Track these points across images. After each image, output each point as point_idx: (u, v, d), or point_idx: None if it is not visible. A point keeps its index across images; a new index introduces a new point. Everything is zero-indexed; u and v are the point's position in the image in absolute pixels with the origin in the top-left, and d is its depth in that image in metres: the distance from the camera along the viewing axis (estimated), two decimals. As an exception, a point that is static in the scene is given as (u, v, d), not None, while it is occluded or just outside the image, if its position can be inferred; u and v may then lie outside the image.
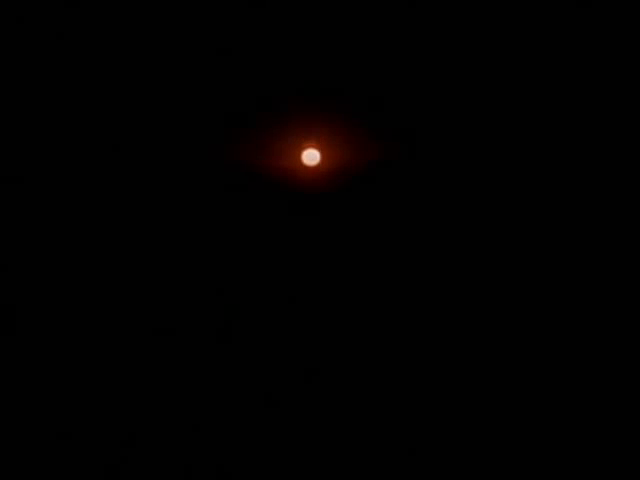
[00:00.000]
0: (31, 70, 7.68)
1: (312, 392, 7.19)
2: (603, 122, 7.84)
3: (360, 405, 6.90)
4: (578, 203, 8.03)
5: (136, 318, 9.02)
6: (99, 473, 5.76)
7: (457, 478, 5.87)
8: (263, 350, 8.41)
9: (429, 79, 7.99)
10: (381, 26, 8.20)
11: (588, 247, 8.09)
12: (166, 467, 6.02)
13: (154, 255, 9.26)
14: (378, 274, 14.35)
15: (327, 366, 8.03)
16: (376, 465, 5.97)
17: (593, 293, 7.85)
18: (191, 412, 6.77)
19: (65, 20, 7.48)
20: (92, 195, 8.49)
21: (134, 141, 8.04)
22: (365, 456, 6.14)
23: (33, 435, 6.27)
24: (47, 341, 7.70)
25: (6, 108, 7.60)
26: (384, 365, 8.09)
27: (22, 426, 6.43)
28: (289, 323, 9.69)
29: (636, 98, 7.57)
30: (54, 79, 7.71)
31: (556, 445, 6.28)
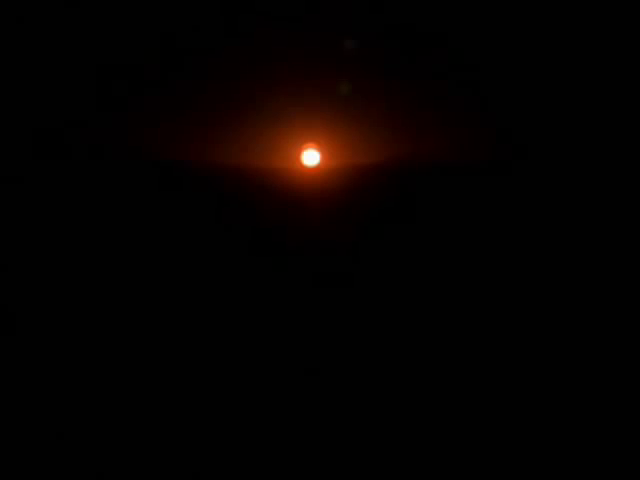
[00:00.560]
0: None
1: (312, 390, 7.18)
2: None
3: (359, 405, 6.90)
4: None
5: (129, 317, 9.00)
6: (91, 472, 5.76)
7: (458, 478, 5.86)
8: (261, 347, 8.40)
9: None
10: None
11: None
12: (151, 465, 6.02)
13: (157, 256, 9.25)
14: (377, 273, 14.34)
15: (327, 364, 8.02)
16: (376, 465, 5.96)
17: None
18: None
19: None
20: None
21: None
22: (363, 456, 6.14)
23: (25, 436, 6.27)
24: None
25: None
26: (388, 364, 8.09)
27: (14, 427, 6.43)
28: (290, 321, 9.68)
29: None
30: None
31: (557, 444, 6.28)
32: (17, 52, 7.32)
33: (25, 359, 7.47)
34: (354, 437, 6.39)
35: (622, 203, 8.11)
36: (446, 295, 12.25)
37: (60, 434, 6.29)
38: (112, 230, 9.04)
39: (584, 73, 7.78)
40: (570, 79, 7.75)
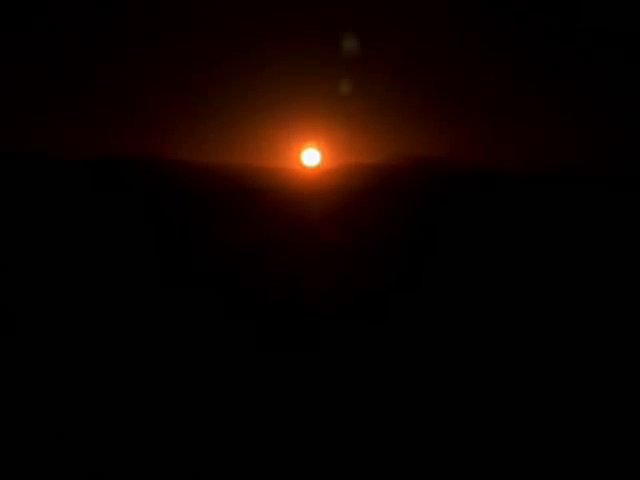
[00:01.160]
0: None
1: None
2: None
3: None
4: None
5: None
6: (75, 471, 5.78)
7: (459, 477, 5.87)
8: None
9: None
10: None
11: None
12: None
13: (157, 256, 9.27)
14: (377, 271, 14.28)
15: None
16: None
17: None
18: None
19: None
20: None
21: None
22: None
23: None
24: None
25: None
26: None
27: None
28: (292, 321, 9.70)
29: None
30: None
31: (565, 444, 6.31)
32: None
33: None
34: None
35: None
36: (444, 293, 12.27)
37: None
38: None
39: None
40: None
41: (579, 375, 7.58)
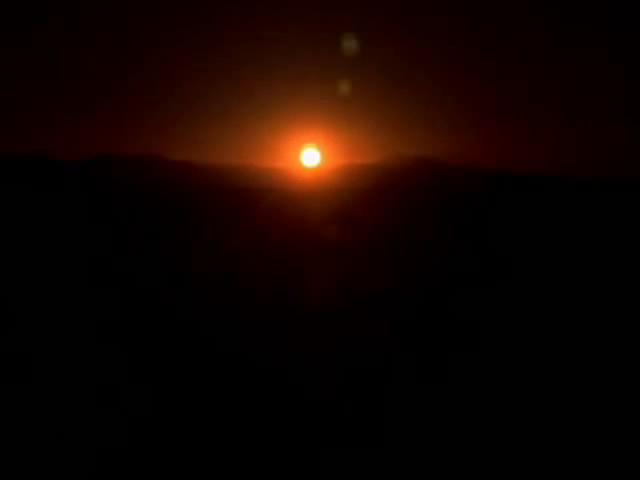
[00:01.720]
0: None
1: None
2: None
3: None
4: None
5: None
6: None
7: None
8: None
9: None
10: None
11: None
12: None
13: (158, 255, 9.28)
14: (377, 271, 14.26)
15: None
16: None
17: None
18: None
19: None
20: None
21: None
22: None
23: None
24: None
25: None
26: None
27: None
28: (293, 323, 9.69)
29: None
30: None
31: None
32: None
33: None
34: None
35: None
36: (444, 293, 12.26)
37: None
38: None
39: None
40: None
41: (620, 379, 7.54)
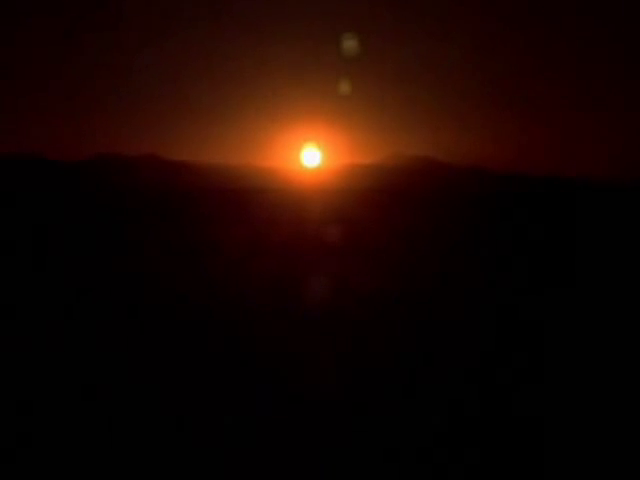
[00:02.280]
0: None
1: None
2: None
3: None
4: None
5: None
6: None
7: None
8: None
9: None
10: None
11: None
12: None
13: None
14: (378, 271, 14.22)
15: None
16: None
17: None
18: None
19: None
20: None
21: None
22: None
23: None
24: None
25: None
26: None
27: None
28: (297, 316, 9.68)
29: None
30: None
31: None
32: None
33: None
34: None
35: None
36: (445, 293, 12.24)
37: None
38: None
39: None
40: None
41: None
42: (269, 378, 7.46)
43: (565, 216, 40.84)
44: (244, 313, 10.81)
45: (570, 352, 8.38)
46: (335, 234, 23.28)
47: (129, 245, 21.37)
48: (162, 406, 6.48)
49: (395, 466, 5.35)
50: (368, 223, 31.73)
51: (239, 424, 6.10)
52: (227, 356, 8.25)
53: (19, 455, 5.50)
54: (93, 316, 10.31)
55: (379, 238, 24.46)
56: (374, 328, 9.83)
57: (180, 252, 19.46)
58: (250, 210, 40.69)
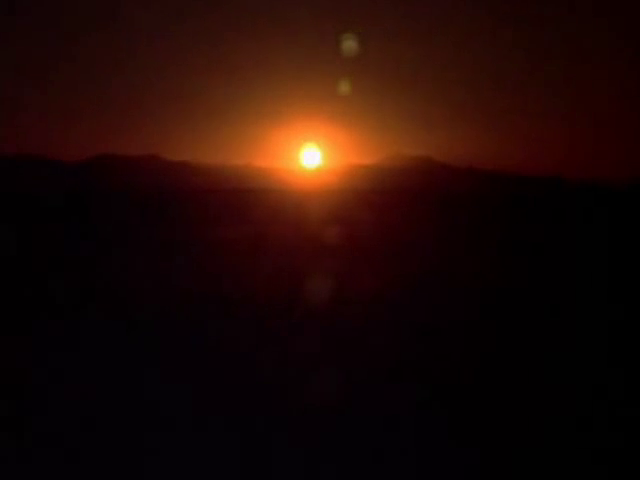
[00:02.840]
0: None
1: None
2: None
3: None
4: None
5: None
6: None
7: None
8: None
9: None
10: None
11: None
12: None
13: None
14: (379, 272, 14.18)
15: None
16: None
17: None
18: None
19: None
20: None
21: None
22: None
23: None
24: None
25: None
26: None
27: None
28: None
29: None
30: None
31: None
32: None
33: None
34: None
35: None
36: (445, 292, 12.25)
37: None
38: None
39: None
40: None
41: None
42: (269, 378, 7.46)
43: (565, 217, 40.86)
44: (244, 313, 10.82)
45: (570, 352, 8.39)
46: (335, 234, 23.29)
47: (129, 245, 21.40)
48: (162, 406, 6.50)
49: (395, 466, 5.35)
50: (368, 223, 31.77)
51: (239, 424, 6.11)
52: (227, 356, 8.26)
53: (19, 455, 5.52)
54: (93, 316, 10.32)
55: (379, 238, 24.50)
56: (374, 328, 9.84)
57: (180, 252, 19.48)
58: (250, 210, 40.71)
